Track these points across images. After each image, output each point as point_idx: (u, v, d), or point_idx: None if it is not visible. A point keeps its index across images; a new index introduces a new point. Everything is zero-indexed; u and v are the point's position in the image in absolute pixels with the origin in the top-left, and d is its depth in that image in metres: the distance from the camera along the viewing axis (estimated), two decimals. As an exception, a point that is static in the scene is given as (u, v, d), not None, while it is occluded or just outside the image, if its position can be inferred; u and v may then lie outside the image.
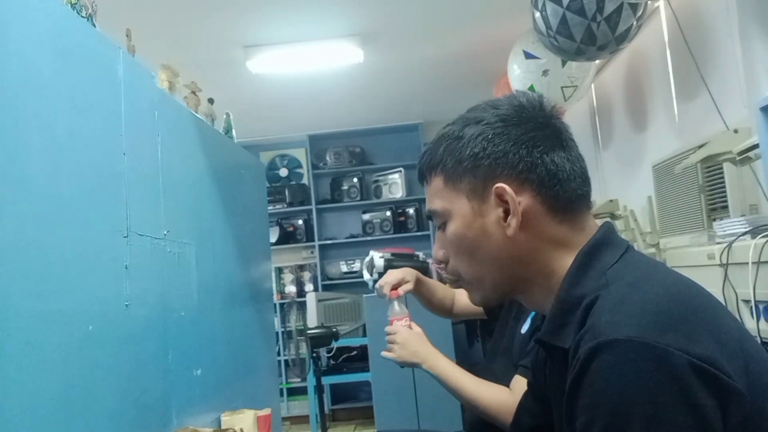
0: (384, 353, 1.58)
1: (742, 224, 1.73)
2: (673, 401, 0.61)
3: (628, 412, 0.61)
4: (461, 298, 1.85)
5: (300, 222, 5.46)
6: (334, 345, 3.35)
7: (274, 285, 5.00)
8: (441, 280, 3.54)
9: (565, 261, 0.80)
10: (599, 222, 0.86)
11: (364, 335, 3.81)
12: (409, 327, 1.59)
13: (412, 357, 1.53)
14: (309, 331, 2.71)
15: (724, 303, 1.64)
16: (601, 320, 0.67)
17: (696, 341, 0.63)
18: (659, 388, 0.61)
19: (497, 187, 0.80)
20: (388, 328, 1.60)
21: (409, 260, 3.46)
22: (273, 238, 5.17)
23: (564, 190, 0.80)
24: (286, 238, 5.41)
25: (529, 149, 0.80)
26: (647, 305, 0.67)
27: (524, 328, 1.46)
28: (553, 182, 0.80)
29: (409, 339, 1.55)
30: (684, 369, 0.61)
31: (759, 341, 1.54)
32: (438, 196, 0.86)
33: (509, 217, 0.80)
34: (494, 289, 0.86)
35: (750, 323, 1.57)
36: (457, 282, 0.92)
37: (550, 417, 0.90)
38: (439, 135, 0.88)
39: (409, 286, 1.69)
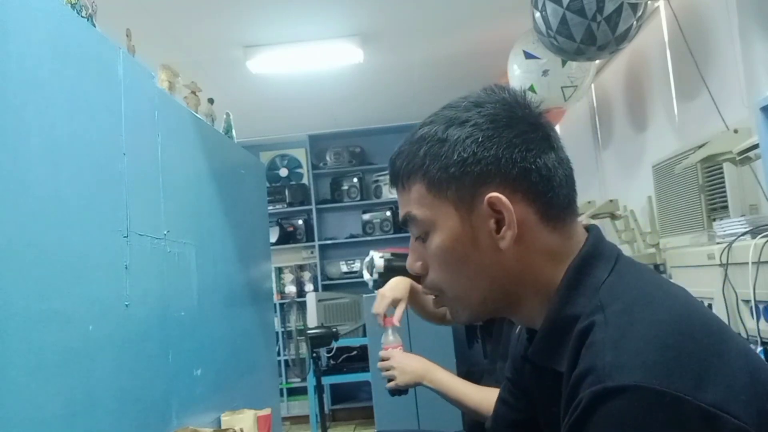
0: (389, 385, 1.58)
1: (742, 224, 1.72)
2: None
3: None
4: None
5: (300, 222, 5.46)
6: (334, 345, 3.35)
7: (274, 285, 5.00)
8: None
9: (557, 273, 0.75)
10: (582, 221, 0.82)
11: (364, 335, 3.80)
12: None
13: (413, 379, 1.53)
14: (309, 331, 2.71)
15: (724, 303, 1.64)
16: (604, 360, 0.63)
17: (705, 383, 0.60)
18: None
19: (490, 197, 0.73)
20: (381, 353, 1.60)
21: (409, 260, 3.45)
22: (273, 238, 5.17)
23: (557, 197, 0.75)
24: (286, 238, 5.41)
25: (522, 153, 0.73)
26: (652, 341, 0.62)
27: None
28: (547, 188, 0.74)
29: (404, 362, 1.55)
30: (695, 419, 0.58)
31: (759, 341, 1.54)
32: (419, 204, 0.78)
33: (503, 229, 0.73)
34: (482, 306, 0.79)
35: (750, 323, 1.57)
36: (437, 298, 0.82)
37: (529, 413, 0.89)
38: (417, 136, 0.80)
39: (402, 306, 1.68)
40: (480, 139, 0.74)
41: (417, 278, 0.85)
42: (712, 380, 0.60)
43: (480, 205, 0.74)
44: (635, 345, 0.62)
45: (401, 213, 0.81)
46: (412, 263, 0.83)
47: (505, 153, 0.73)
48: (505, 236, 0.73)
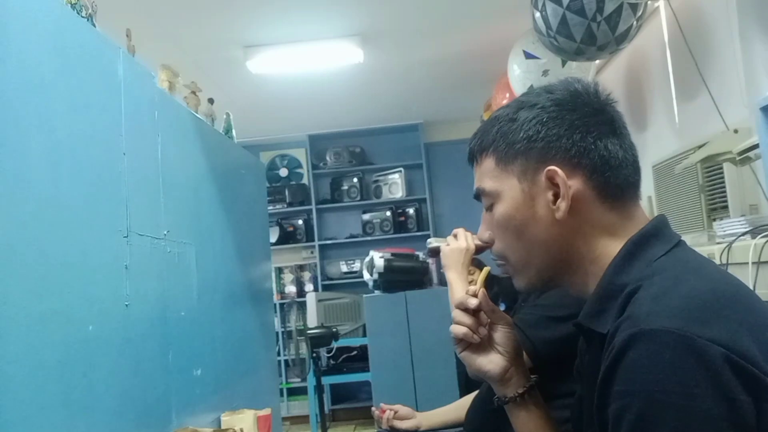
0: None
1: (742, 224, 1.73)
2: (708, 393, 0.61)
3: (664, 401, 0.62)
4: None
5: (300, 222, 5.46)
6: (334, 345, 3.36)
7: (274, 285, 5.00)
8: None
9: (612, 248, 0.80)
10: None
11: (364, 335, 3.80)
12: None
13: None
14: (309, 331, 2.71)
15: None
16: (642, 310, 0.67)
17: (735, 337, 0.63)
18: (695, 380, 0.61)
19: (549, 170, 0.80)
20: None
21: (409, 260, 3.45)
22: (273, 238, 5.17)
23: (615, 177, 0.81)
24: (286, 238, 5.41)
25: (582, 134, 0.81)
26: (690, 299, 0.67)
27: None
28: (605, 168, 0.80)
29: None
30: (721, 363, 0.61)
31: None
32: (488, 177, 0.87)
33: (559, 201, 0.80)
34: (539, 273, 0.86)
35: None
36: (504, 265, 0.91)
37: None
38: (492, 117, 0.88)
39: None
40: (545, 120, 0.82)
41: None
42: (741, 336, 0.64)
43: (540, 178, 0.82)
44: (674, 300, 0.67)
45: (475, 187, 0.90)
46: (482, 232, 0.91)
47: (567, 133, 0.81)
48: (560, 207, 0.80)
